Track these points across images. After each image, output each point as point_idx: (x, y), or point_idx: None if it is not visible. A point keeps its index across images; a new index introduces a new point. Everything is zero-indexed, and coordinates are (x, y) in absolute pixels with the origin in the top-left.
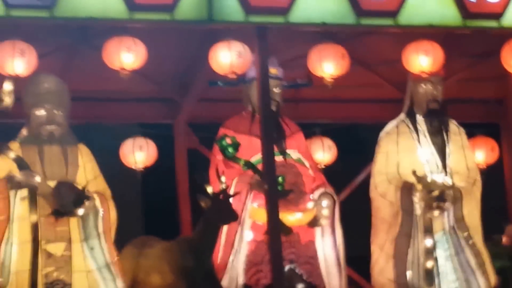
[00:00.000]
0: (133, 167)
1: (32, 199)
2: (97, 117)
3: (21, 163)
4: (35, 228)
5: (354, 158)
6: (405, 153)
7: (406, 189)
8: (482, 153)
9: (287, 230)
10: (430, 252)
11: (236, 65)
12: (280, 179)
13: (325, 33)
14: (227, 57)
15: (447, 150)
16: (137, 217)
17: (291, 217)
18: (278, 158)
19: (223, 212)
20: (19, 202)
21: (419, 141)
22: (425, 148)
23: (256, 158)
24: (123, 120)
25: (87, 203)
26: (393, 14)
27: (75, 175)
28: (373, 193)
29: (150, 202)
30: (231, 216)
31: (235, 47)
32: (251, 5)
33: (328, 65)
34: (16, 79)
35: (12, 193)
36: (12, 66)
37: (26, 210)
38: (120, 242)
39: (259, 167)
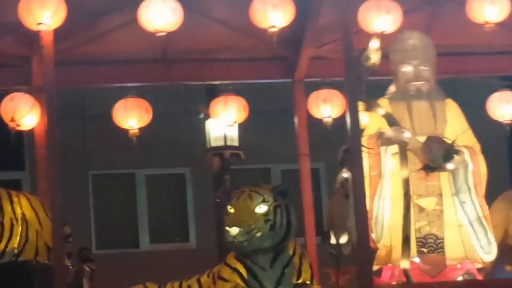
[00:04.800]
0: (500, 120)
1: (403, 155)
2: (462, 71)
3: (390, 119)
4: (406, 183)
5: None
6: None
7: None
8: None
9: None
10: None
11: None
12: None
13: None
14: None
15: None
16: (503, 170)
17: None
18: None
19: None
20: (390, 158)
21: None
22: None
23: None
24: (488, 73)
25: (456, 157)
26: None
27: (444, 130)
28: None
29: None
30: None
31: None
32: None
33: None
34: (382, 37)
35: (383, 149)
36: (377, 24)
37: (397, 165)
38: (489, 195)
39: None
